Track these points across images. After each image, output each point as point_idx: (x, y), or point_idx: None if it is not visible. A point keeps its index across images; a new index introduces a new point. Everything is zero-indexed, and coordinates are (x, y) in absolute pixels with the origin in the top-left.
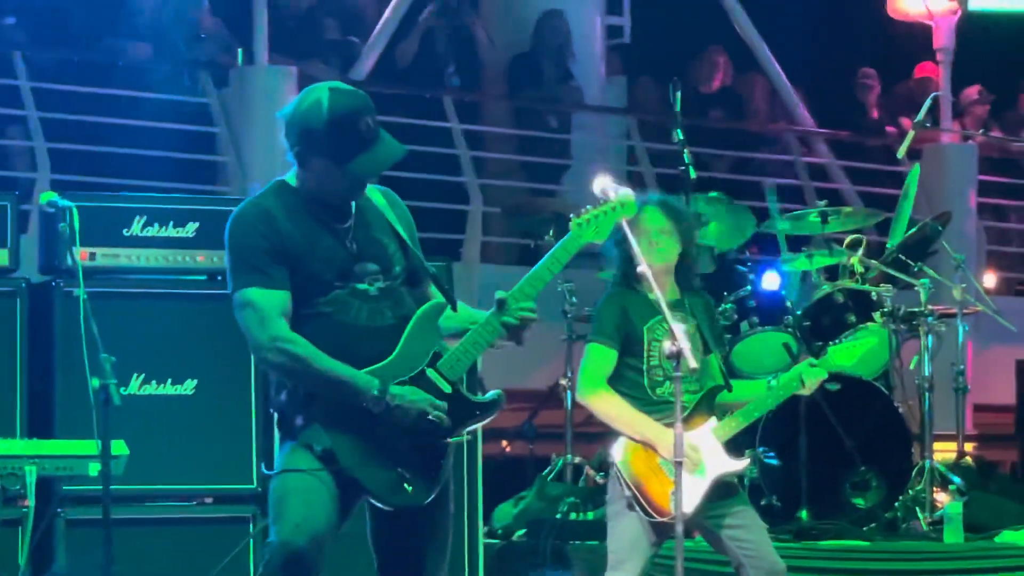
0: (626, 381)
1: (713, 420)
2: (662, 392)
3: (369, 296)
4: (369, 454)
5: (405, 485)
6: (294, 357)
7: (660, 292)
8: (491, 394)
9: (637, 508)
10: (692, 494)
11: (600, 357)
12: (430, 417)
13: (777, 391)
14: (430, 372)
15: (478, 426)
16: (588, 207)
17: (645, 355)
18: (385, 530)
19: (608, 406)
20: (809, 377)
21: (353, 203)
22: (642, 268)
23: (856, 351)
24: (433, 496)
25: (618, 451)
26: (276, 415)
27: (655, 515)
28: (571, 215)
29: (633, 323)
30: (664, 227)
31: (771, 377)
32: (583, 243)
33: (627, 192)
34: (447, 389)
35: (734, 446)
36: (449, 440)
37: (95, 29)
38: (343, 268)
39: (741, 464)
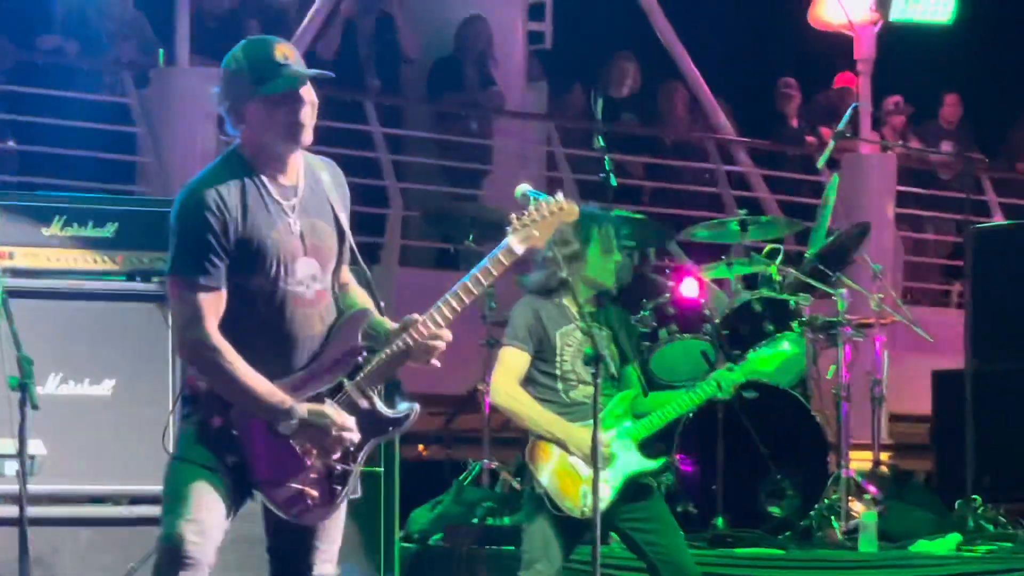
0: (539, 385)
1: (628, 421)
2: (575, 395)
3: (305, 300)
4: (277, 470)
5: (307, 502)
6: (215, 366)
7: (579, 301)
8: (403, 407)
9: (548, 504)
10: (603, 491)
11: (513, 360)
12: (335, 435)
13: (693, 394)
14: (348, 384)
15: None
16: (526, 212)
17: (558, 360)
18: (278, 520)
19: (520, 407)
20: (726, 381)
21: (302, 179)
22: (565, 275)
23: (775, 359)
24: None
25: (530, 451)
26: (188, 398)
27: (566, 511)
28: (510, 219)
29: (546, 328)
30: (620, 251)
31: (687, 386)
32: (521, 252)
33: (570, 201)
34: (363, 404)
35: (652, 452)
36: (358, 466)
37: (14, 25)
38: (288, 263)
39: (654, 464)
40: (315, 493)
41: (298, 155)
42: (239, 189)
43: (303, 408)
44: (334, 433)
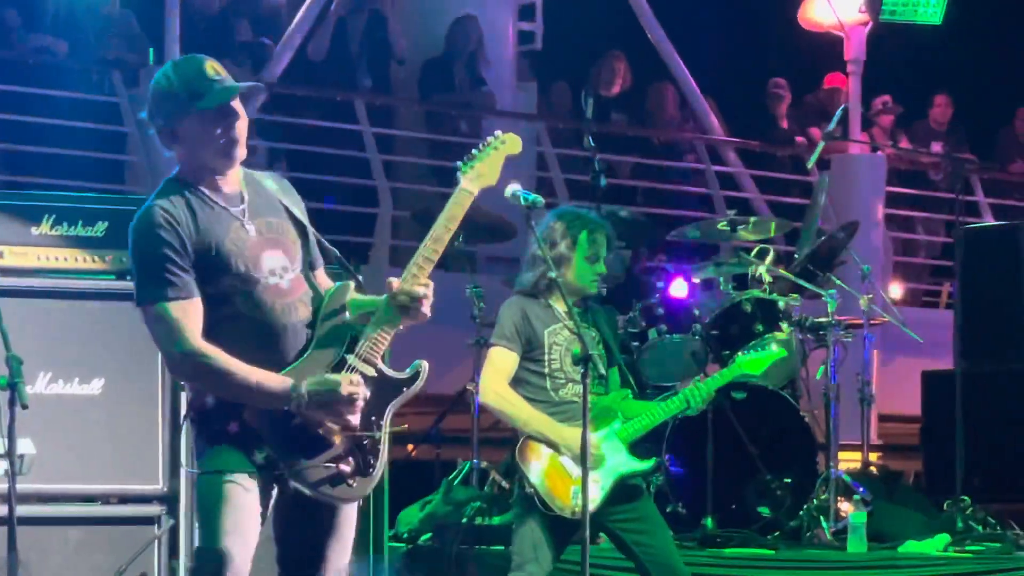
0: (528, 384)
1: (617, 422)
2: (564, 394)
3: (282, 291)
4: (306, 453)
5: (344, 479)
6: (209, 370)
7: (568, 301)
8: (411, 367)
9: (539, 504)
10: (593, 491)
11: (501, 360)
12: (344, 393)
13: (685, 397)
14: (350, 358)
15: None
16: (473, 152)
17: (547, 359)
18: (288, 521)
19: (509, 407)
20: (695, 398)
21: (244, 188)
22: (555, 276)
23: (763, 362)
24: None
25: (521, 450)
26: (196, 418)
27: (556, 511)
28: (457, 163)
29: (534, 328)
30: (607, 255)
31: (660, 399)
32: (475, 189)
33: (511, 135)
34: (370, 372)
35: (641, 452)
36: (383, 432)
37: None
38: (252, 260)
39: (644, 465)
40: (348, 468)
41: (236, 169)
42: (185, 204)
43: (307, 381)
44: (344, 394)
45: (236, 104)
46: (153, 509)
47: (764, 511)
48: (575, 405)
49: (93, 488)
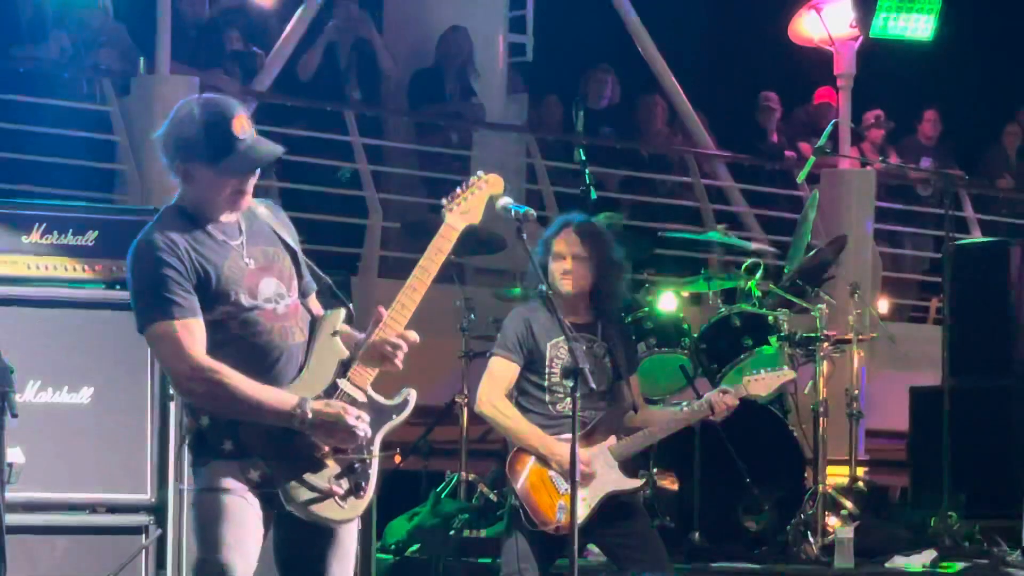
0: (527, 396)
1: (612, 439)
2: (562, 408)
3: (278, 315)
4: (299, 473)
5: (338, 501)
6: (218, 385)
7: (569, 313)
8: (399, 394)
9: (523, 518)
10: (580, 508)
11: (500, 370)
12: (350, 423)
13: (685, 416)
14: (342, 382)
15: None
16: (457, 190)
17: (547, 372)
18: (289, 540)
19: (503, 418)
20: (720, 404)
21: (241, 218)
22: (543, 288)
23: (772, 384)
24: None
25: (511, 463)
26: (192, 441)
27: (539, 525)
28: (443, 200)
29: (536, 340)
30: (579, 252)
31: (684, 403)
32: (460, 226)
33: (493, 174)
34: (361, 398)
35: (633, 471)
36: (373, 455)
37: None
38: (250, 288)
39: (635, 483)
40: (340, 491)
41: None
42: (184, 233)
43: (315, 403)
44: (349, 422)
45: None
46: (141, 519)
47: (751, 526)
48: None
49: (81, 497)
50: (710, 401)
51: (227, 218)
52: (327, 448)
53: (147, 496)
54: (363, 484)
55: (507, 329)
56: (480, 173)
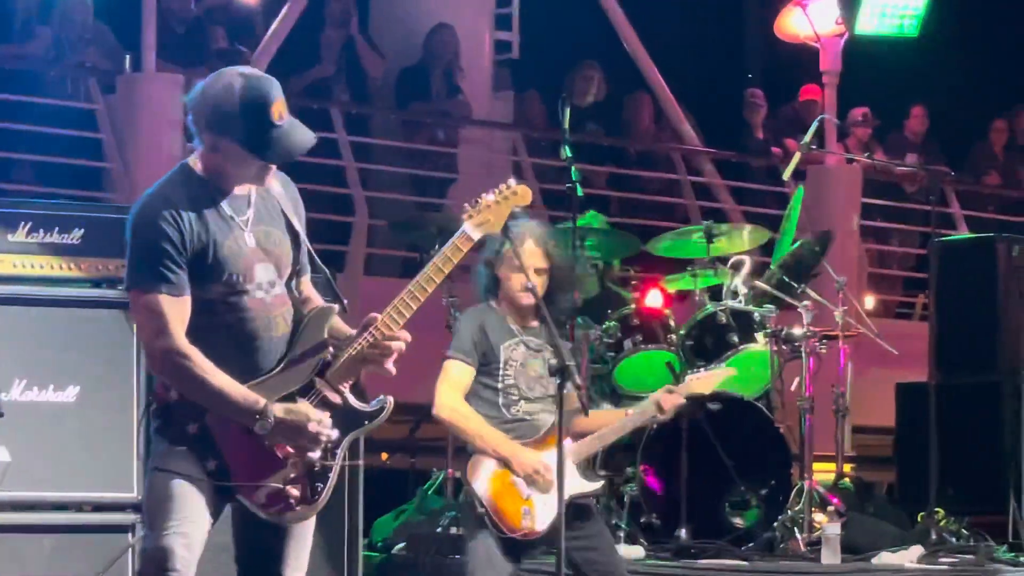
0: (481, 399)
1: (568, 441)
2: (516, 411)
3: (266, 304)
4: (256, 471)
5: (289, 501)
6: (188, 371)
7: (520, 317)
8: (377, 401)
9: (489, 524)
10: (544, 513)
11: (456, 373)
12: (311, 430)
13: (634, 417)
14: (319, 382)
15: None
16: (480, 199)
17: (501, 374)
18: (247, 528)
19: (465, 422)
20: (667, 402)
21: (253, 191)
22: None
23: (713, 381)
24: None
25: (472, 468)
26: (159, 410)
27: (506, 531)
28: (464, 206)
29: (490, 342)
30: (541, 266)
31: (632, 407)
32: (477, 236)
33: (523, 185)
34: (336, 400)
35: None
36: (337, 461)
37: None
38: (245, 270)
39: (594, 486)
40: (296, 492)
41: None
42: (193, 202)
43: (278, 408)
44: (311, 429)
45: None
46: (127, 517)
47: (738, 522)
48: (527, 423)
49: (67, 496)
50: (657, 401)
51: (240, 190)
52: (290, 448)
53: (133, 494)
54: (320, 487)
55: (462, 331)
56: (511, 182)
